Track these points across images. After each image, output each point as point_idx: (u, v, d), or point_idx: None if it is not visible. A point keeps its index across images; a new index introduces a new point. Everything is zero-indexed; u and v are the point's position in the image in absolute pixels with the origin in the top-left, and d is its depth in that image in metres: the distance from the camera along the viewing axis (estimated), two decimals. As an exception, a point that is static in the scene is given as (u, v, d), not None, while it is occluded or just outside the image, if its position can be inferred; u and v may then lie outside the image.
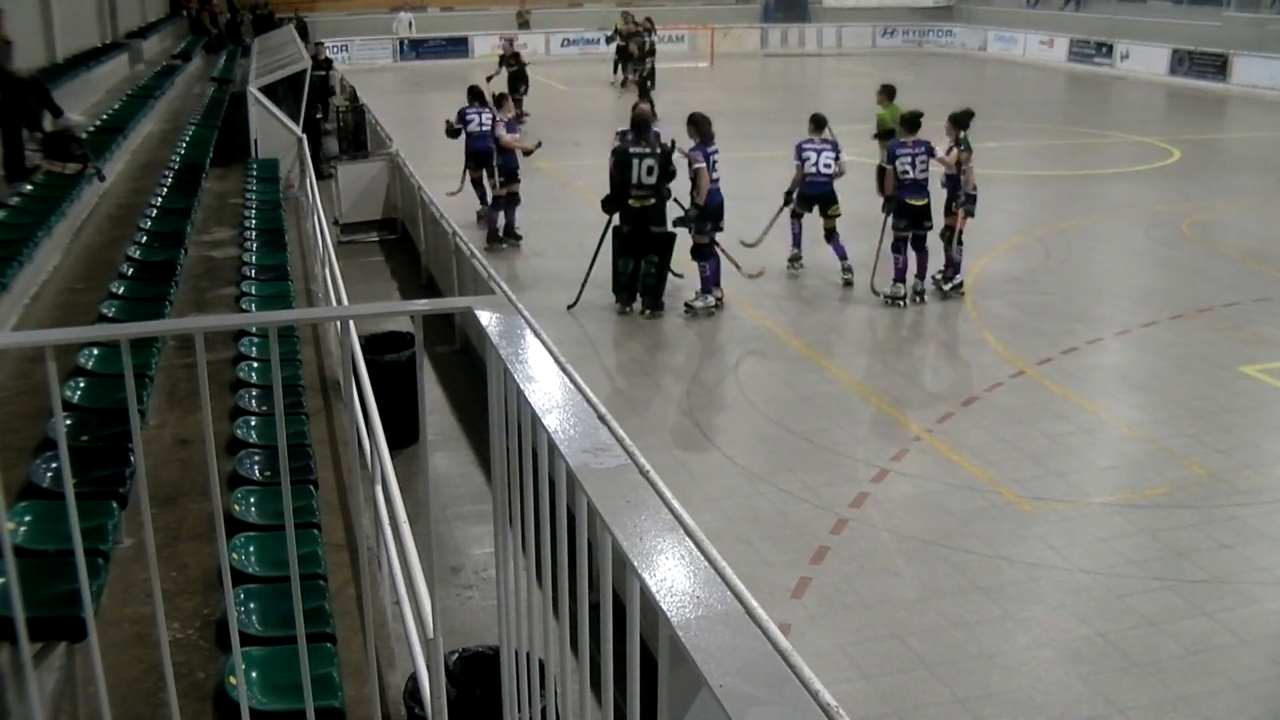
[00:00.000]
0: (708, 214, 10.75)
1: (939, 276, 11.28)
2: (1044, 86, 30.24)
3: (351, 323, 4.99)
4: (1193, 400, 8.83)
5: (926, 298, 11.13)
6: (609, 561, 1.75)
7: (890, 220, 10.97)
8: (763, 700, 1.35)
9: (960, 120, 10.92)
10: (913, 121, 10.96)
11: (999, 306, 11.20)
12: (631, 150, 10.51)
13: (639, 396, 9.04)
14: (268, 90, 12.68)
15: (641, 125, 10.66)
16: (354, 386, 3.49)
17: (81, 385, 4.54)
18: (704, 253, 10.85)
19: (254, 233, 8.29)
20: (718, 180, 10.81)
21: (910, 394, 8.98)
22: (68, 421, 4.12)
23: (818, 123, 11.62)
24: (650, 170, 10.42)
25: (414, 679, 3.58)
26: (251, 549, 3.63)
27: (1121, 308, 11.09)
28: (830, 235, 11.67)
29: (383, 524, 3.99)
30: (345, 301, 7.01)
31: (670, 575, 1.58)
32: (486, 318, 2.44)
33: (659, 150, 10.52)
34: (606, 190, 10.85)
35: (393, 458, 4.44)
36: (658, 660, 1.55)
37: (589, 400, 4.40)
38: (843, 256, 11.61)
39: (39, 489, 3.55)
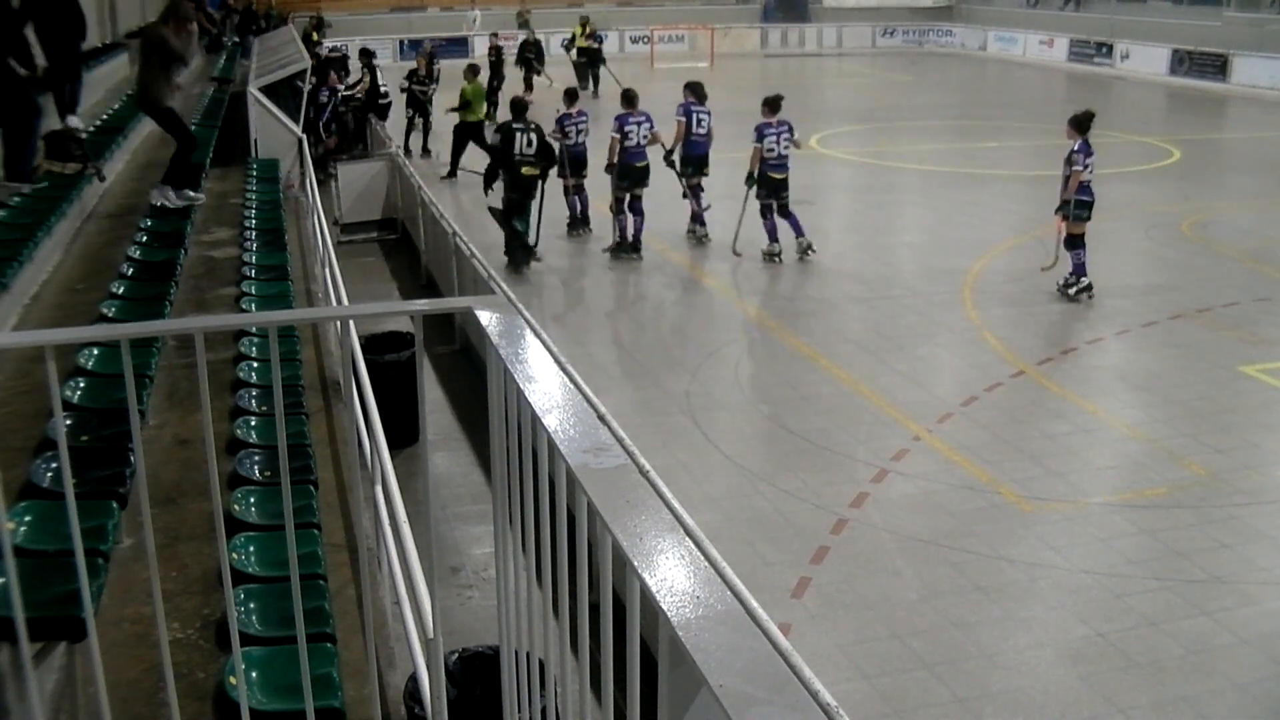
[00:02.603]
0: (688, 161, 13.05)
1: (1060, 283, 11.30)
2: (1044, 86, 30.25)
3: (351, 323, 5.00)
4: (1193, 400, 8.83)
5: (811, 253, 12.68)
6: (609, 561, 1.75)
7: (755, 191, 12.56)
8: (763, 700, 1.35)
9: (1080, 123, 10.99)
10: (774, 103, 12.58)
11: (999, 306, 11.21)
12: (514, 126, 12.52)
13: (639, 396, 9.04)
14: (267, 91, 12.66)
15: (520, 107, 12.85)
16: (354, 386, 3.50)
17: (81, 385, 4.54)
18: (693, 192, 13.27)
19: (254, 233, 8.29)
20: (704, 134, 12.99)
21: (910, 394, 8.98)
22: (68, 421, 4.12)
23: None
24: (530, 143, 12.43)
25: (414, 679, 3.58)
26: (251, 549, 3.63)
27: (1121, 308, 11.08)
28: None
29: (383, 524, 3.99)
30: (345, 301, 7.00)
31: (670, 575, 1.58)
32: (486, 318, 2.44)
33: (535, 127, 12.58)
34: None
35: (393, 458, 4.44)
36: (658, 660, 1.55)
37: (589, 400, 4.40)
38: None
39: (39, 489, 3.55)
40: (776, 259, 12.61)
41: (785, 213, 12.59)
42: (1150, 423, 8.45)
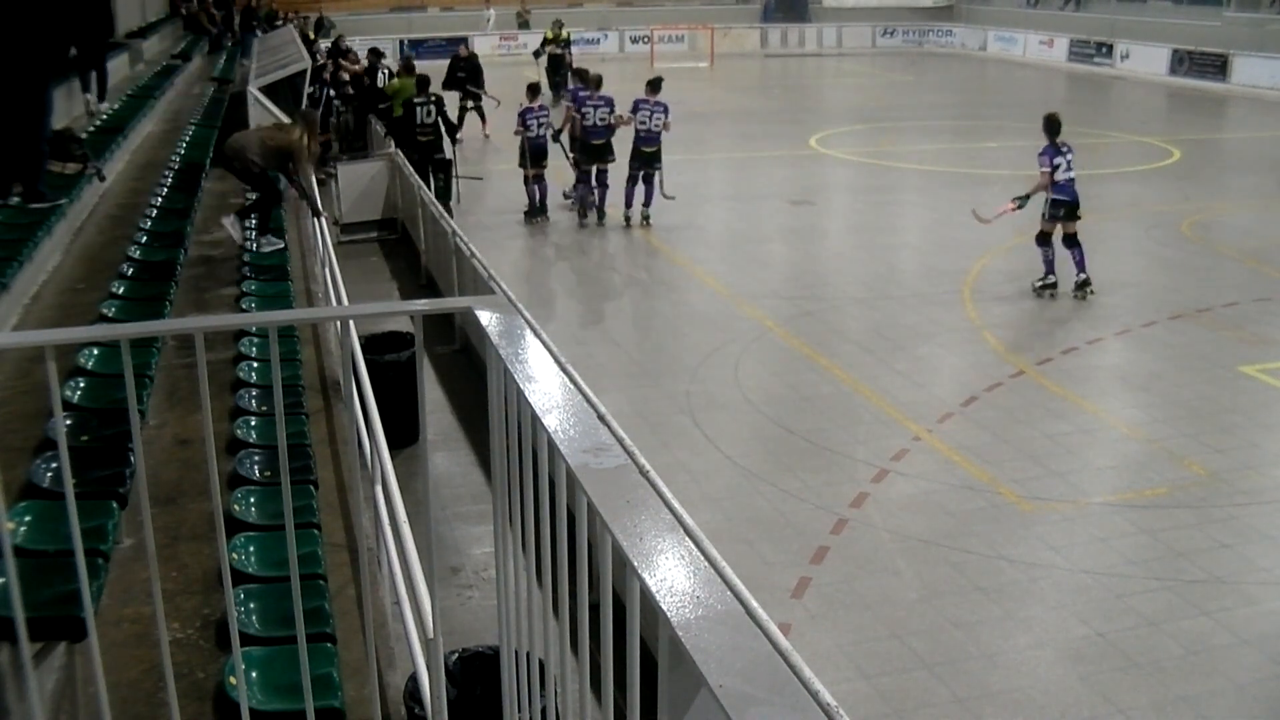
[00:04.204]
0: (573, 142, 14.32)
1: (1037, 283, 11.34)
2: (1044, 86, 30.23)
3: (351, 323, 4.99)
4: (1193, 400, 8.83)
5: (646, 224, 14.22)
6: (609, 561, 1.75)
7: (627, 160, 14.02)
8: (763, 700, 1.35)
9: (1046, 126, 11.05)
10: (655, 85, 14.01)
11: (999, 306, 11.21)
12: (416, 100, 14.87)
13: (639, 396, 9.04)
14: (267, 91, 12.66)
15: (424, 82, 15.15)
16: (354, 386, 3.50)
17: (81, 385, 4.54)
18: (581, 175, 14.50)
19: (254, 233, 8.28)
20: (588, 120, 14.11)
21: (910, 394, 8.98)
22: (68, 421, 4.12)
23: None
24: (430, 114, 14.85)
25: (414, 679, 3.58)
26: (251, 549, 3.63)
27: (1121, 308, 11.08)
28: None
29: (383, 524, 3.99)
30: (345, 301, 7.00)
31: (670, 575, 1.58)
32: (486, 318, 2.44)
33: (435, 99, 15.04)
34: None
35: (393, 458, 4.44)
36: (658, 660, 1.55)
37: (589, 400, 4.40)
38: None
39: (39, 489, 3.55)
40: (624, 224, 14.12)
41: (649, 180, 14.06)
42: (1150, 423, 8.45)
